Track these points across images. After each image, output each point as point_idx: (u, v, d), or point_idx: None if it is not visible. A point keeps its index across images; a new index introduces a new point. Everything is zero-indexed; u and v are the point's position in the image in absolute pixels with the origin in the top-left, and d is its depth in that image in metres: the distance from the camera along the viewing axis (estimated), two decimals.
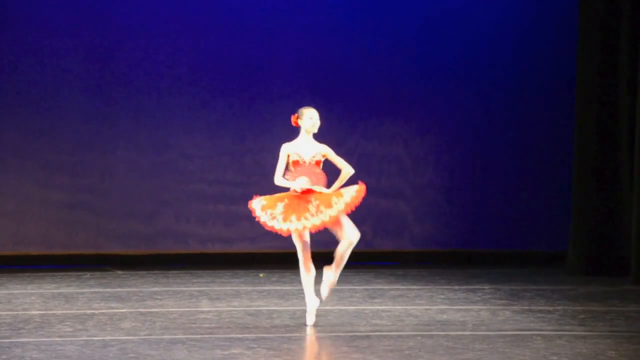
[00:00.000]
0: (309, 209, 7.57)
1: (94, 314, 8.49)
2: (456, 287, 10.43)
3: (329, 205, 7.58)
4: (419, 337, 7.56)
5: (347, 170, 7.79)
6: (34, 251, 12.14)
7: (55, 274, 11.33)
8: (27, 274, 11.28)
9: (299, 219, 7.58)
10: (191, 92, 12.50)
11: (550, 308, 9.07)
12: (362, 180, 13.11)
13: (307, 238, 7.79)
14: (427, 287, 10.46)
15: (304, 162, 7.76)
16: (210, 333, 7.69)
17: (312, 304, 7.90)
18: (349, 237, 7.70)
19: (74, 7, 12.17)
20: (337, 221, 7.62)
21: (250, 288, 10.34)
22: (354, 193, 7.66)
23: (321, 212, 7.60)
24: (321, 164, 7.84)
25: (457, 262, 12.62)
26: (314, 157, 7.76)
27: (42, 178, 12.13)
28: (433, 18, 12.77)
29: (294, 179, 7.70)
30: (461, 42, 12.81)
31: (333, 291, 10.09)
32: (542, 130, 12.91)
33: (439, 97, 12.84)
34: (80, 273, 11.43)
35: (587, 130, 11.72)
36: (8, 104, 12.10)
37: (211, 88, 12.54)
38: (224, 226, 12.55)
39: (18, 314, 8.50)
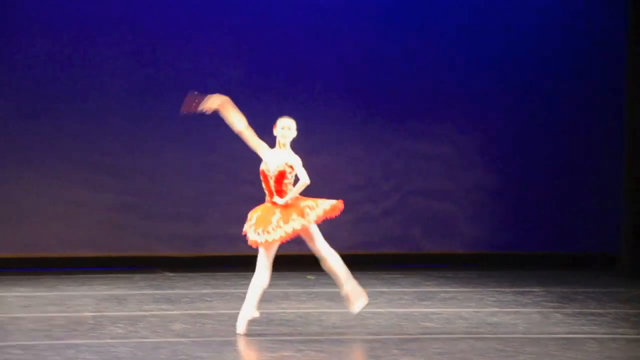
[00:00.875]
0: (271, 222, 7.66)
1: (145, 316, 8.54)
2: (506, 290, 10.36)
3: (287, 222, 7.63)
4: (470, 340, 7.52)
5: (302, 181, 7.78)
6: (84, 253, 12.25)
7: (106, 276, 11.43)
8: (79, 276, 11.38)
9: (262, 232, 7.69)
10: (239, 93, 12.49)
11: (602, 311, 8.97)
12: (411, 181, 13.13)
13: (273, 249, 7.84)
14: (477, 289, 10.39)
15: (268, 172, 7.77)
16: (260, 335, 7.70)
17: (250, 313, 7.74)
18: (323, 254, 7.76)
19: (120, 10, 12.26)
20: (300, 233, 7.68)
21: (299, 290, 10.35)
22: (322, 210, 7.72)
23: (279, 227, 7.65)
24: (288, 174, 7.81)
25: (507, 264, 12.53)
26: (277, 167, 7.79)
27: (91, 181, 12.24)
28: (480, 17, 12.70)
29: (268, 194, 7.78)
30: (508, 41, 12.72)
31: (382, 293, 10.09)
32: (591, 130, 12.79)
33: (488, 98, 12.77)
34: (131, 275, 11.51)
35: (637, 130, 11.58)
36: (56, 109, 12.22)
37: (259, 89, 12.57)
38: None
39: (71, 315, 8.58)
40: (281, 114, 12.90)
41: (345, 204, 12.99)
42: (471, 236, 12.74)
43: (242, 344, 7.35)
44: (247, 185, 12.71)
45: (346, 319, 8.38)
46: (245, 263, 12.40)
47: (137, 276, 11.41)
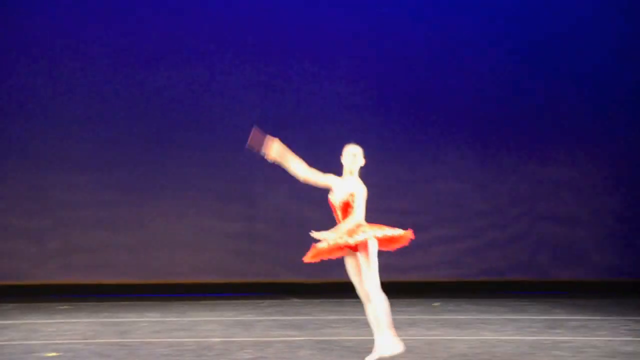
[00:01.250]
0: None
1: (272, 342, 8.60)
2: (639, 318, 10.07)
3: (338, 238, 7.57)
4: None
5: (352, 217, 7.63)
6: (212, 280, 12.44)
7: (234, 301, 11.56)
8: (207, 302, 11.54)
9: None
10: (366, 121, 12.60)
11: None
12: (538, 206, 12.93)
13: (351, 267, 7.73)
14: (608, 317, 10.14)
15: (335, 202, 7.73)
16: None
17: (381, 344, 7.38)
18: (370, 296, 7.60)
19: (250, 44, 12.48)
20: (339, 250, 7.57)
21: (426, 317, 10.27)
22: (376, 233, 7.59)
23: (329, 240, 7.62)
24: (352, 203, 7.72)
25: (638, 292, 12.19)
26: (342, 198, 7.71)
27: (219, 209, 12.44)
28: (609, 47, 12.50)
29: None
30: (634, 68, 12.49)
31: (510, 321, 9.93)
32: None
33: (616, 123, 12.52)
34: (258, 301, 11.62)
35: None
36: (187, 139, 12.48)
37: (385, 116, 12.60)
38: (398, 255, 12.51)
39: (200, 340, 8.70)
40: (411, 141, 12.94)
41: (471, 230, 12.91)
42: (601, 262, 12.46)
43: None
44: (371, 212, 12.74)
45: (473, 346, 8.27)
46: None
47: (264, 302, 11.50)
